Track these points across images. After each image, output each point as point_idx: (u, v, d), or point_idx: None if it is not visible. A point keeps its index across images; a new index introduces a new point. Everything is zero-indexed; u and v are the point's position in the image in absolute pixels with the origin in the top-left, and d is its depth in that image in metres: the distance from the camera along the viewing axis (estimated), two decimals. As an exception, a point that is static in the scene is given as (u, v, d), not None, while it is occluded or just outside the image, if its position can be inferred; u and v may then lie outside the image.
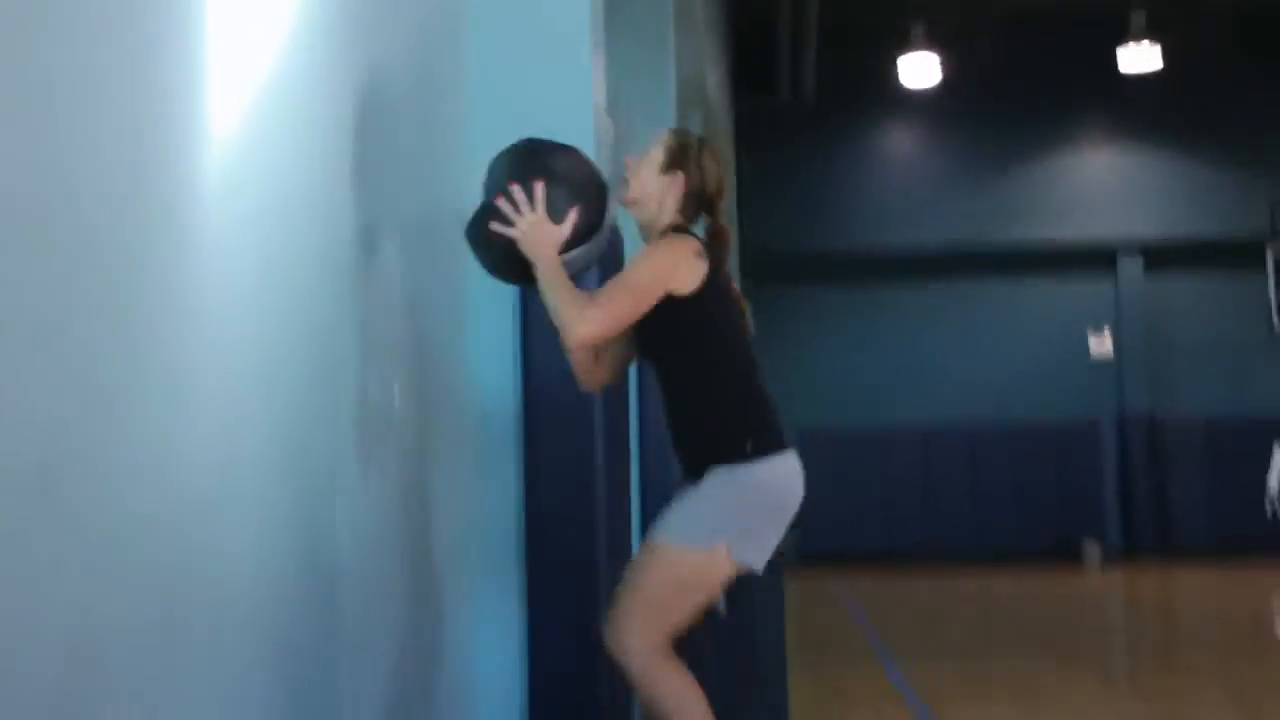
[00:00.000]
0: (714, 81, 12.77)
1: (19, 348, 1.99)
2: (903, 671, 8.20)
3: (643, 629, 3.48)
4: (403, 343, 4.10)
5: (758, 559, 3.57)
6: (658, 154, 3.69)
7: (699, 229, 3.75)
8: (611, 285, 3.56)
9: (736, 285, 3.77)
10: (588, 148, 5.10)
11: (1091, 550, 19.27)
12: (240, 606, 2.82)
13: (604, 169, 5.25)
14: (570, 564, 4.16)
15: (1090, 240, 20.06)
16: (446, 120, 4.90)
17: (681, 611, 3.53)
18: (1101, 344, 20.51)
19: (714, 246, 3.65)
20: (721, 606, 4.08)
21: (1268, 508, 19.46)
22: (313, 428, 3.33)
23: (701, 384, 3.59)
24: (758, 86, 18.27)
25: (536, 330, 4.70)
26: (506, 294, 4.82)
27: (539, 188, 3.48)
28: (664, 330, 3.56)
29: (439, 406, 4.56)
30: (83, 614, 2.15)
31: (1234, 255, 19.85)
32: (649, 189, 3.66)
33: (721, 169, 3.74)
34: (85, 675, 2.16)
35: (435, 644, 4.47)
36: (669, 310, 3.51)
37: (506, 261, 3.58)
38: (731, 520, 3.51)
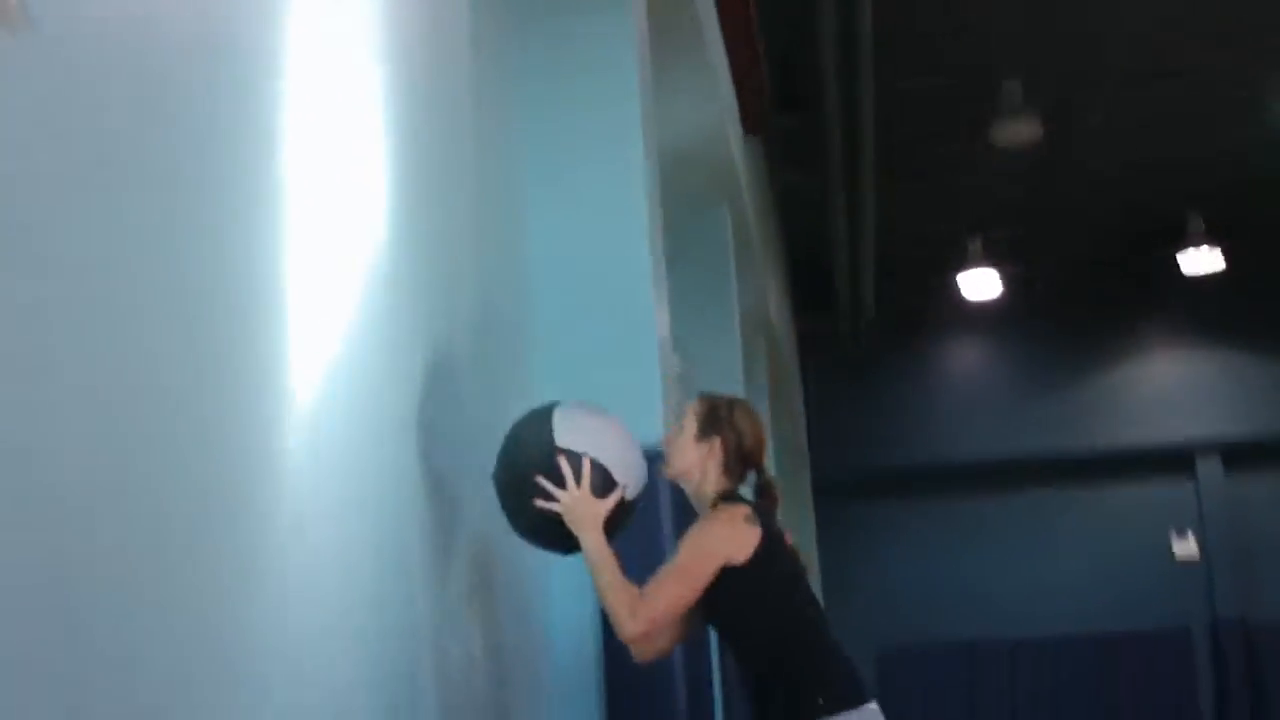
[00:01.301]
0: (775, 309, 12.96)
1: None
2: None
3: None
4: (479, 592, 4.13)
5: None
6: (690, 424, 3.71)
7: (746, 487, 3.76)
8: (662, 575, 3.51)
9: (790, 536, 3.76)
10: (653, 385, 5.22)
11: (1193, 763, 18.68)
12: None
13: (668, 404, 5.36)
14: None
15: (1167, 443, 19.89)
16: (511, 365, 5.01)
17: None
18: (1186, 546, 20.18)
19: (764, 501, 3.67)
20: None
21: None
22: (395, 692, 3.37)
23: (768, 647, 3.55)
24: (819, 311, 18.50)
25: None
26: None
27: (586, 463, 3.50)
28: (724, 601, 3.54)
29: (517, 656, 4.57)
30: None
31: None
32: (689, 460, 3.68)
33: (757, 424, 3.75)
34: None
35: None
36: (725, 581, 3.50)
37: (545, 531, 3.58)
38: None
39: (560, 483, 3.49)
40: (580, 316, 5.31)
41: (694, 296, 8.72)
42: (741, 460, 3.69)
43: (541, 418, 3.65)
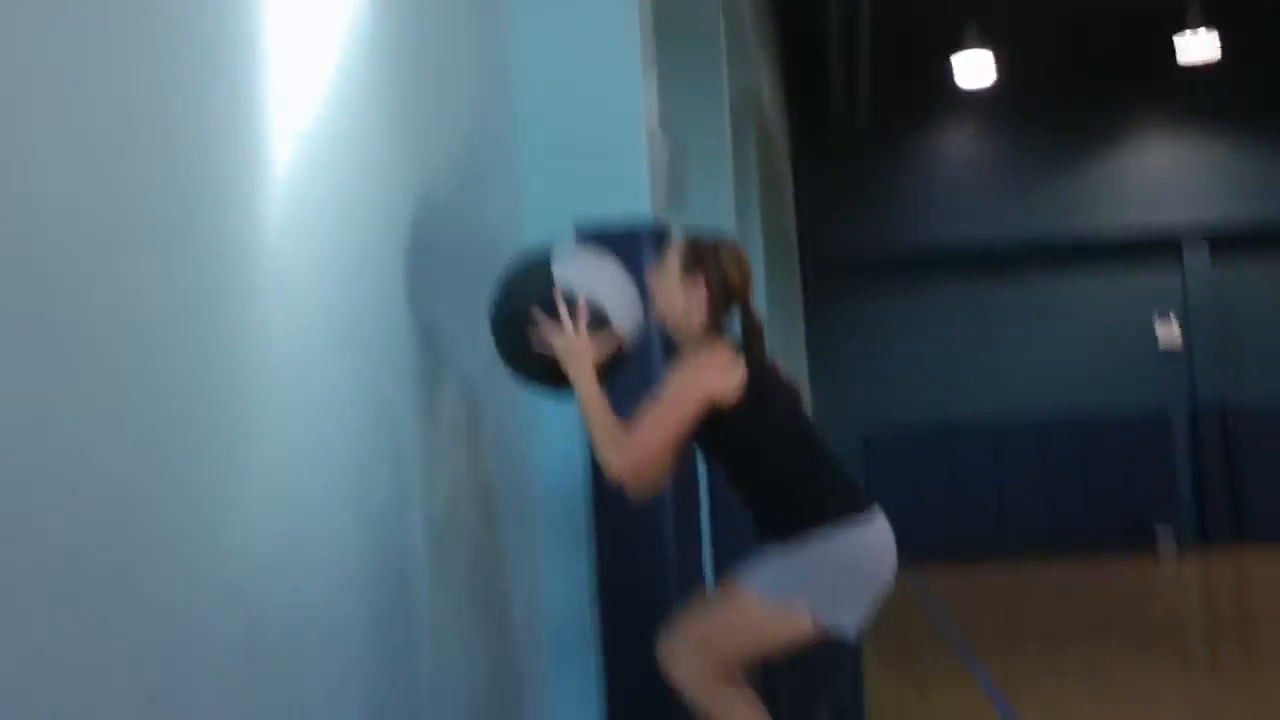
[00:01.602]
0: (767, 93, 12.91)
1: (85, 405, 2.09)
2: (978, 661, 8.29)
3: (698, 657, 3.50)
4: (467, 431, 4.17)
5: (848, 622, 3.53)
6: (673, 263, 3.68)
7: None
8: (647, 414, 3.50)
9: (782, 367, 3.77)
10: (638, 167, 5.27)
11: (1165, 538, 19.23)
12: (318, 653, 2.98)
13: (658, 186, 5.41)
14: (647, 632, 4.12)
15: (1155, 229, 20.00)
16: (496, 136, 5.01)
17: (739, 654, 3.53)
18: (1169, 333, 20.43)
19: (749, 340, 3.63)
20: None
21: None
22: (382, 501, 3.48)
23: (765, 478, 3.56)
24: (812, 95, 18.38)
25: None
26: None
27: (583, 304, 3.51)
28: (715, 438, 3.56)
29: (505, 496, 4.64)
30: (163, 644, 2.26)
31: (1299, 238, 19.76)
32: (673, 300, 3.65)
33: (743, 261, 3.71)
34: (167, 702, 2.26)
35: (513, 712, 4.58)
36: (716, 420, 3.51)
37: (539, 371, 3.61)
38: (817, 582, 3.48)
39: (558, 322, 3.50)
40: (568, 108, 5.24)
41: (683, 81, 8.68)
42: (726, 298, 3.64)
43: (541, 258, 3.64)
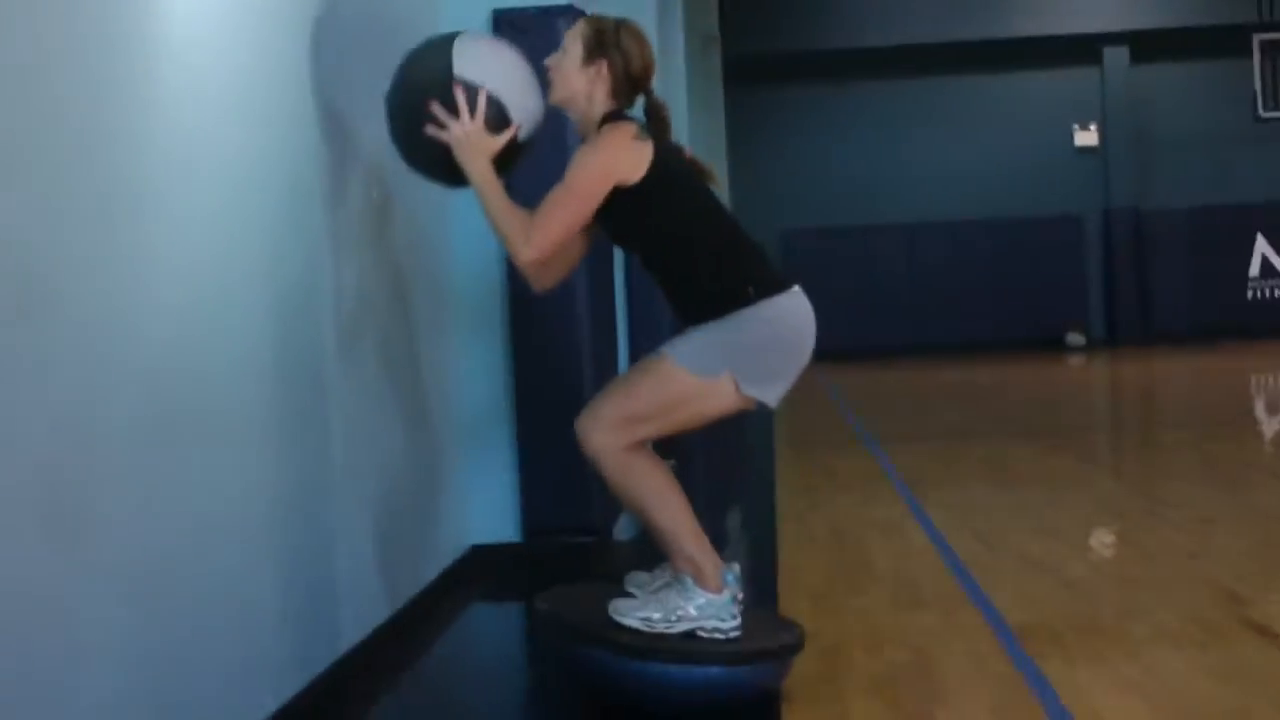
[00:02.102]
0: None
1: None
2: (886, 456, 8.44)
3: (616, 430, 3.48)
4: (376, 217, 4.11)
5: (771, 393, 3.55)
6: (575, 48, 3.58)
7: (637, 110, 3.66)
8: (551, 198, 3.46)
9: (690, 151, 3.70)
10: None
11: (1075, 339, 19.58)
12: (233, 416, 2.96)
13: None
14: (562, 410, 4.12)
15: (1075, 31, 19.92)
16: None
17: (661, 426, 3.53)
18: (1087, 136, 20.51)
19: (654, 124, 3.58)
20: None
21: (1249, 293, 19.73)
22: (293, 285, 3.42)
23: (683, 260, 3.54)
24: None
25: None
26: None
27: (482, 96, 3.43)
28: (627, 221, 3.53)
29: (417, 282, 4.60)
30: (75, 405, 2.24)
31: (1220, 42, 19.76)
32: (575, 86, 3.57)
33: (645, 46, 3.61)
34: (80, 458, 2.26)
35: (431, 474, 4.59)
36: (625, 201, 3.47)
37: (433, 160, 3.52)
38: (742, 354, 3.49)
39: (454, 113, 3.42)
40: None
41: None
42: (629, 83, 3.57)
43: (442, 45, 3.52)
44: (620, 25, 3.63)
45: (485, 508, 5.23)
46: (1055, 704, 3.26)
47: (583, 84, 3.57)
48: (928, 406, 12.77)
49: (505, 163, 3.53)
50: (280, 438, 3.22)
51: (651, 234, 3.55)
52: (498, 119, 3.45)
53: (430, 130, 3.44)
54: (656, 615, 3.42)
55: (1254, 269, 19.91)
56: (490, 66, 3.49)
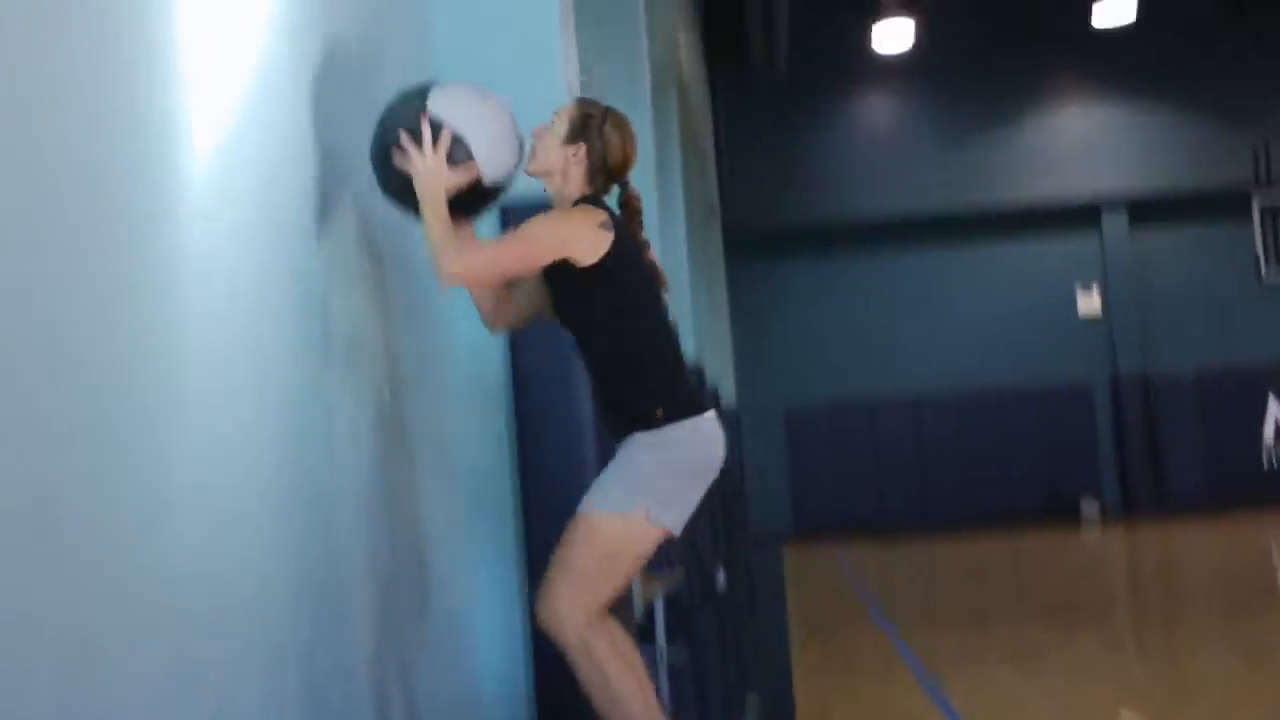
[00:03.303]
0: (687, 56, 12.71)
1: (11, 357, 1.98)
2: (905, 639, 8.19)
3: (575, 600, 3.47)
4: (367, 253, 4.07)
5: (675, 521, 3.55)
6: (560, 126, 3.66)
7: (612, 200, 3.74)
8: (501, 237, 3.63)
9: (654, 252, 3.75)
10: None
11: (1089, 509, 19.31)
12: (237, 599, 2.80)
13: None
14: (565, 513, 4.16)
15: (1073, 197, 20.04)
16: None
17: (612, 581, 3.52)
18: (1089, 301, 20.51)
19: (625, 213, 3.66)
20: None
21: (1264, 458, 19.51)
22: (303, 412, 3.31)
23: (613, 353, 3.60)
24: (732, 57, 18.20)
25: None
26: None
27: (446, 134, 3.50)
28: (574, 301, 3.59)
29: (424, 383, 4.55)
30: (84, 610, 2.16)
31: (1219, 205, 19.87)
32: (552, 161, 3.64)
33: (629, 139, 3.70)
34: (86, 669, 2.16)
35: (429, 598, 4.46)
36: (573, 280, 3.53)
37: (401, 189, 3.62)
38: (648, 483, 3.51)
39: (420, 146, 3.51)
40: (488, 74, 5.16)
41: (602, 47, 8.49)
42: (606, 172, 3.64)
43: (421, 87, 3.65)
44: (609, 114, 3.70)
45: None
46: None
47: (560, 162, 3.64)
48: (943, 584, 12.50)
49: (469, 204, 3.60)
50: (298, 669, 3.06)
51: (587, 320, 3.60)
52: (461, 157, 3.53)
53: (396, 159, 3.52)
54: None
55: (1268, 432, 19.74)
56: (464, 109, 3.59)
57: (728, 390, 17.96)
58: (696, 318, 13.57)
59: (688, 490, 3.58)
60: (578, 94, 5.54)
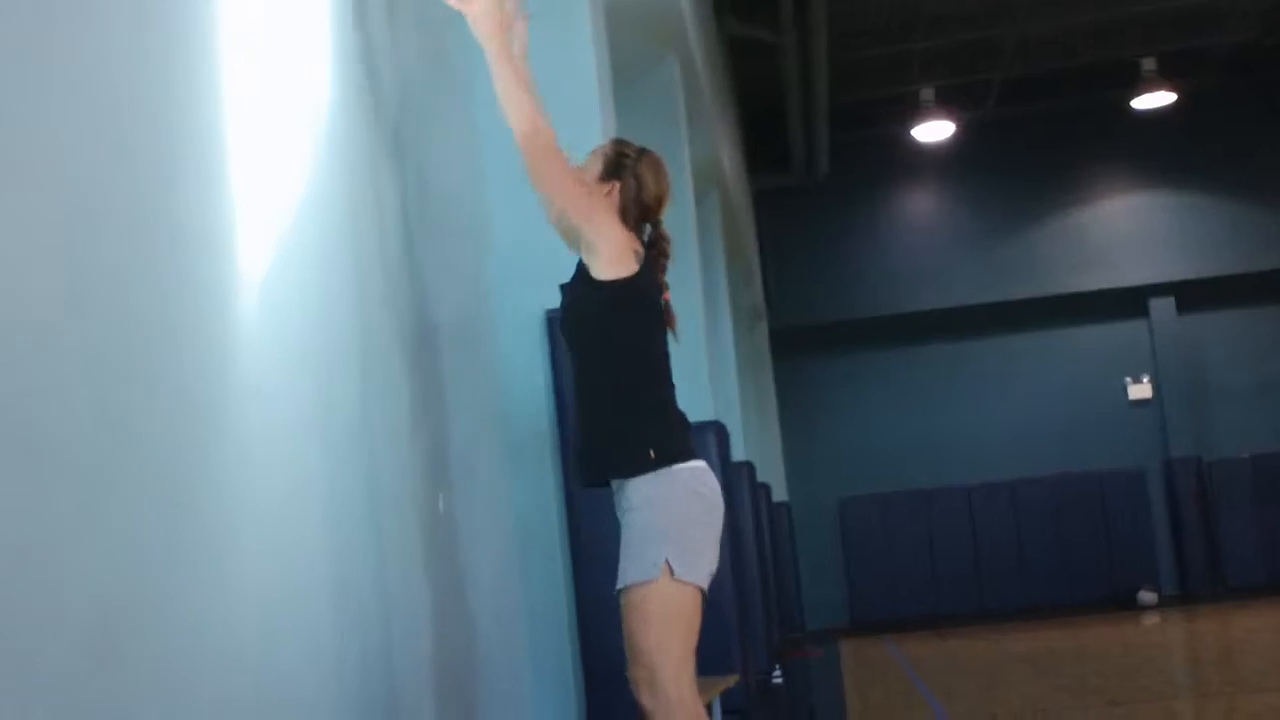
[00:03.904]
0: (728, 162, 12.87)
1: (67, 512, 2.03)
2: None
3: (669, 681, 3.42)
4: (440, 437, 4.13)
5: (700, 573, 3.50)
6: (595, 165, 3.71)
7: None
8: (580, 171, 3.64)
9: (669, 296, 3.76)
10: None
11: (1147, 597, 19.07)
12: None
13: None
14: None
15: (1120, 285, 20.02)
16: (470, 216, 4.96)
17: (675, 643, 3.46)
18: (1140, 389, 20.41)
19: (653, 251, 3.67)
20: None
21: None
22: (358, 539, 3.37)
23: (611, 383, 3.57)
24: (773, 164, 18.40)
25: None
26: (537, 343, 4.95)
27: None
28: (582, 314, 3.60)
29: (479, 500, 4.60)
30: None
31: (1266, 287, 19.82)
32: (579, 200, 3.64)
33: (662, 179, 3.73)
34: None
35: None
36: (590, 292, 3.55)
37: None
38: (664, 536, 3.46)
39: None
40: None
41: (641, 141, 8.62)
42: (639, 208, 3.68)
43: None
44: (643, 154, 3.75)
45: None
46: None
47: (588, 200, 3.63)
48: (1004, 679, 12.36)
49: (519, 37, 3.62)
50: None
51: (591, 338, 3.59)
52: None
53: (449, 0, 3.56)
54: None
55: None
56: None
57: (779, 487, 17.94)
58: (745, 417, 13.61)
59: (703, 535, 3.52)
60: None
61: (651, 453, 3.48)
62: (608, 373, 3.56)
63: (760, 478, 14.34)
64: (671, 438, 3.54)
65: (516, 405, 5.15)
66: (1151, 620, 17.19)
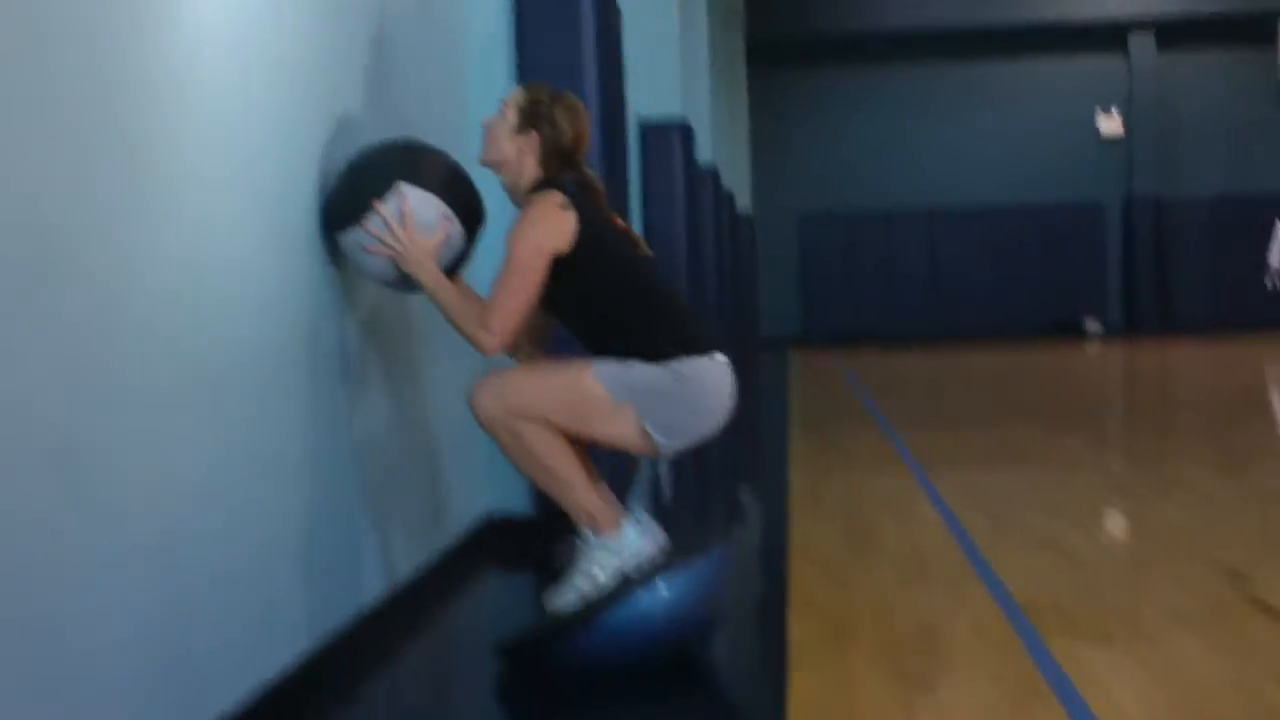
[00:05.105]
0: None
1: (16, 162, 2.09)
2: (900, 439, 8.47)
3: (510, 413, 3.51)
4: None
5: (667, 443, 3.58)
6: (510, 115, 3.68)
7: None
8: (499, 281, 3.51)
9: (621, 220, 3.75)
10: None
11: (1093, 326, 19.55)
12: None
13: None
14: None
15: (1101, 17, 19.88)
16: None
17: (551, 417, 3.53)
18: (1112, 124, 20.47)
19: (585, 195, 3.65)
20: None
21: (1267, 282, 19.67)
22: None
23: (611, 327, 3.58)
24: None
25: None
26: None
27: (406, 203, 3.47)
28: (561, 289, 3.57)
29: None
30: (92, 362, 2.30)
31: (1246, 30, 19.72)
32: (506, 151, 3.66)
33: (579, 119, 3.69)
34: (99, 417, 2.31)
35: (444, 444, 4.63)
36: (557, 271, 3.53)
37: (393, 274, 3.57)
38: (653, 395, 3.52)
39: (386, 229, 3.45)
40: None
41: None
42: (559, 154, 3.65)
43: (360, 164, 3.55)
44: (556, 98, 3.71)
45: (499, 478, 5.25)
46: (1057, 674, 3.29)
47: (513, 151, 3.67)
48: (944, 392, 12.78)
49: (453, 261, 3.60)
50: (299, 399, 3.26)
51: (580, 303, 3.60)
52: (431, 222, 3.51)
53: (372, 249, 3.48)
54: (583, 583, 3.52)
55: (1272, 256, 19.87)
56: (408, 170, 3.53)
57: (743, 196, 18.06)
58: (715, 124, 13.63)
59: (692, 421, 3.58)
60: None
61: (669, 349, 3.53)
62: (606, 314, 3.58)
63: (725, 186, 14.44)
64: (685, 337, 3.57)
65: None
66: (1094, 348, 17.64)
